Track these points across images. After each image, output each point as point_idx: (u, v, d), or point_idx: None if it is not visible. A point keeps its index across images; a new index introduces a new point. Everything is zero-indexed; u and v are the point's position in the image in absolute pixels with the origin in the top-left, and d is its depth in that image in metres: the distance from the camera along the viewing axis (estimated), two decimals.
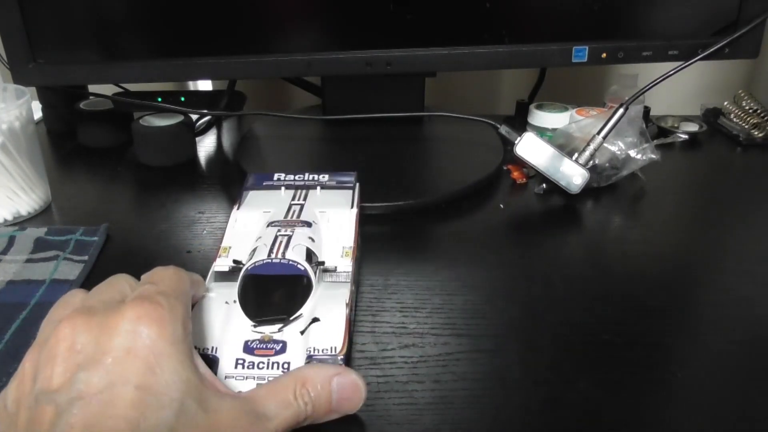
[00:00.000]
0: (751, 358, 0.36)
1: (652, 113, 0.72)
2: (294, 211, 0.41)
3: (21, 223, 0.52)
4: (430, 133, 0.67)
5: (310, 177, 0.46)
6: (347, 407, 0.30)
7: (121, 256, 0.47)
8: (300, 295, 0.34)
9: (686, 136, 0.67)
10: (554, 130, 0.62)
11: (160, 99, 0.66)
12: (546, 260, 0.46)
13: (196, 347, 0.31)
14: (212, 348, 0.32)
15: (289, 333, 0.33)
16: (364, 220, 0.48)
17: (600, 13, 0.54)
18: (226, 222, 0.42)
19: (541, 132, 0.64)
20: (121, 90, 0.68)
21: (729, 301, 0.41)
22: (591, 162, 0.54)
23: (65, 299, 0.30)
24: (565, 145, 0.56)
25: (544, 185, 0.56)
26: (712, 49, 0.53)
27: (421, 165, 0.60)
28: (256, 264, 0.35)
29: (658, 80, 0.54)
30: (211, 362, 0.31)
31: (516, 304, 0.41)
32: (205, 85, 0.83)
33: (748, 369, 0.35)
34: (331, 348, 0.32)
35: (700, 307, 0.41)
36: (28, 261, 0.45)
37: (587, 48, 0.54)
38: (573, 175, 0.53)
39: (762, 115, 0.69)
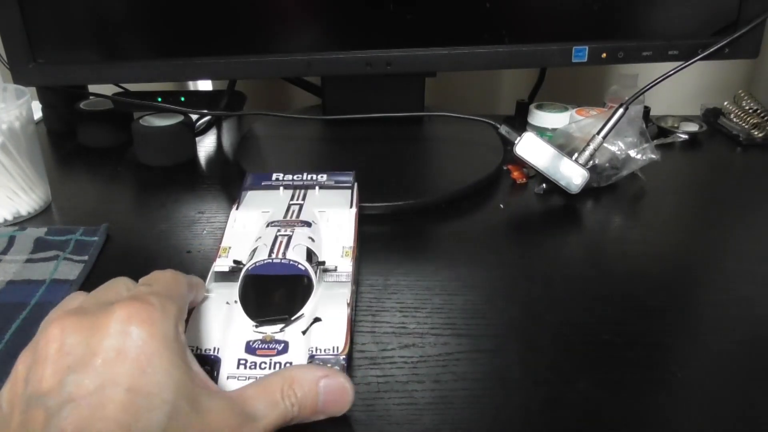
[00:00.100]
0: (751, 358, 0.36)
1: (652, 113, 0.72)
2: (293, 211, 0.41)
3: (21, 223, 0.52)
4: (430, 133, 0.67)
5: (309, 177, 0.46)
6: (334, 409, 0.30)
7: (121, 256, 0.47)
8: (301, 295, 0.34)
9: (686, 136, 0.67)
10: (554, 130, 0.62)
11: (160, 99, 0.67)
12: (546, 260, 0.46)
13: (197, 347, 0.32)
14: (214, 348, 0.32)
15: (291, 333, 0.33)
16: (363, 220, 0.48)
17: (600, 13, 0.53)
18: (226, 222, 0.42)
19: (541, 132, 0.64)
20: (121, 90, 0.68)
21: (729, 301, 0.41)
22: (591, 162, 0.54)
23: (64, 301, 0.30)
24: (565, 145, 0.56)
25: (544, 185, 0.56)
26: (712, 49, 0.53)
27: (421, 165, 0.60)
28: (257, 264, 0.35)
29: (658, 80, 0.54)
30: (213, 363, 0.31)
31: (516, 304, 0.41)
32: (205, 85, 0.83)
33: (748, 369, 0.35)
34: (334, 348, 0.32)
35: (700, 307, 0.41)
36: (28, 261, 0.45)
37: (587, 48, 0.54)
38: (573, 175, 0.53)
39: (762, 115, 0.69)
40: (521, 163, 0.56)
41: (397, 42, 0.54)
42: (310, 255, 0.36)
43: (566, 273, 0.44)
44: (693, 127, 0.70)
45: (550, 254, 0.47)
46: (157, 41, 0.54)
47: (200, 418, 0.25)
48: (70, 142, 0.69)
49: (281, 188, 0.44)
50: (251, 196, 0.43)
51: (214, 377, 0.31)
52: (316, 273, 0.35)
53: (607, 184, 0.56)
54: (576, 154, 0.54)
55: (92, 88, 0.69)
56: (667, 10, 0.54)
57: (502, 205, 0.54)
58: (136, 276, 0.31)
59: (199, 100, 0.71)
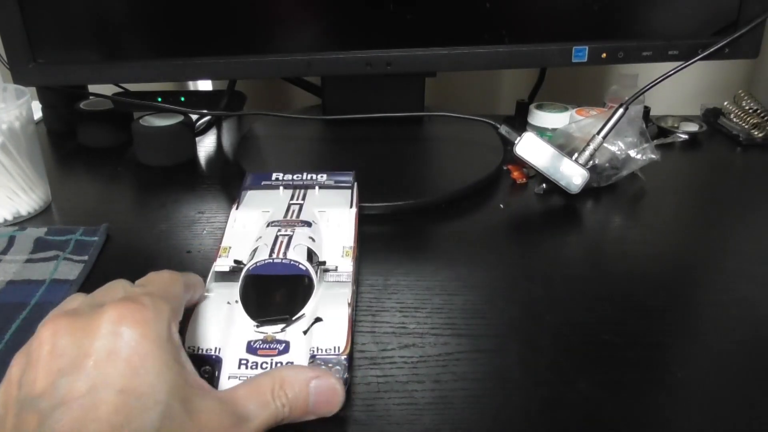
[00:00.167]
0: (751, 358, 0.36)
1: (652, 113, 0.72)
2: (293, 211, 0.41)
3: (21, 223, 0.52)
4: (430, 133, 0.67)
5: (309, 176, 0.46)
6: (324, 410, 0.30)
7: (121, 256, 0.47)
8: (302, 295, 0.34)
9: (686, 136, 0.67)
10: (554, 130, 0.62)
11: (160, 99, 0.67)
12: (546, 260, 0.46)
13: (198, 347, 0.31)
14: (215, 348, 0.32)
15: (292, 333, 0.33)
16: (363, 220, 0.48)
17: (600, 13, 0.53)
18: (226, 222, 0.42)
19: (541, 132, 0.64)
20: (121, 90, 0.68)
21: (729, 301, 0.41)
22: (591, 162, 0.54)
23: (63, 303, 0.30)
24: (565, 145, 0.56)
25: (544, 185, 0.56)
26: (712, 49, 0.53)
27: (421, 165, 0.60)
28: (258, 264, 0.35)
29: (658, 80, 0.54)
30: (215, 363, 0.31)
31: (516, 304, 0.41)
32: (205, 85, 0.83)
33: (748, 369, 0.35)
34: (335, 348, 0.32)
35: (700, 307, 0.41)
36: (28, 261, 0.45)
37: (587, 48, 0.54)
38: (573, 175, 0.53)
39: (762, 115, 0.69)
40: (521, 163, 0.56)
41: (397, 42, 0.54)
42: (311, 255, 0.36)
43: (566, 273, 0.44)
44: (693, 127, 0.70)
45: (550, 254, 0.47)
46: (157, 41, 0.54)
47: (193, 418, 0.25)
48: (70, 142, 0.69)
49: (281, 188, 0.44)
50: (251, 196, 0.43)
51: (216, 377, 0.31)
52: (316, 273, 0.35)
53: (607, 184, 0.56)
54: (576, 154, 0.54)
55: (92, 88, 0.69)
56: (667, 10, 0.54)
57: (502, 205, 0.54)
58: (135, 276, 0.31)
59: (199, 100, 0.71)
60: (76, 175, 0.62)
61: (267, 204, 0.42)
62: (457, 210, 0.53)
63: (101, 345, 0.25)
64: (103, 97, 0.68)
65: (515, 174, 0.59)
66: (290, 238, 0.37)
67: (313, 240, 0.38)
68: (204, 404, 0.26)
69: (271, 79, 0.84)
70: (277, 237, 0.37)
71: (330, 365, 0.31)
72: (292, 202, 0.42)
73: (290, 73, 0.58)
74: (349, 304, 0.34)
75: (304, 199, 0.42)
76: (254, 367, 0.31)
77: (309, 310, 0.34)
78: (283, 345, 0.32)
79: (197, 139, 0.70)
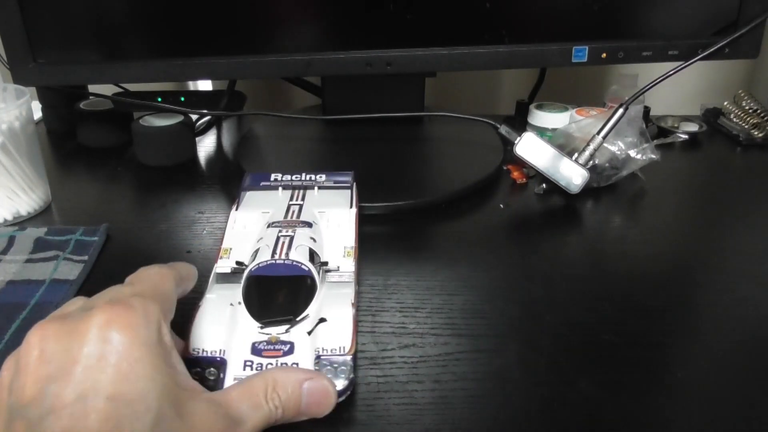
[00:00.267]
0: (751, 358, 0.36)
1: (652, 113, 0.72)
2: (293, 212, 0.41)
3: (21, 223, 0.52)
4: (430, 133, 0.67)
5: (307, 177, 0.46)
6: (316, 411, 0.30)
7: (121, 256, 0.47)
8: (305, 295, 0.34)
9: (686, 136, 0.67)
10: (554, 130, 0.62)
11: (160, 99, 0.67)
12: (546, 260, 0.46)
13: (203, 350, 0.31)
14: (220, 350, 0.31)
15: (296, 334, 0.33)
16: (363, 220, 0.48)
17: (600, 13, 0.53)
18: (226, 222, 0.42)
19: (541, 132, 0.64)
20: (121, 90, 0.68)
21: (729, 301, 0.41)
22: (591, 162, 0.54)
23: (63, 306, 0.29)
24: (565, 145, 0.56)
25: (544, 185, 0.56)
26: (712, 49, 0.53)
27: (421, 165, 0.60)
28: (260, 265, 0.35)
29: (658, 80, 0.54)
30: (220, 365, 0.31)
31: (516, 304, 0.41)
32: (205, 85, 0.83)
33: (748, 369, 0.35)
34: (340, 348, 0.32)
35: (700, 307, 0.41)
36: (28, 261, 0.45)
37: (587, 48, 0.54)
38: (573, 175, 0.53)
39: (762, 115, 0.69)
40: (521, 163, 0.56)
41: (397, 42, 0.54)
42: (313, 255, 0.36)
43: (566, 273, 0.44)
44: (693, 127, 0.70)
45: (550, 254, 0.47)
46: (157, 41, 0.54)
47: (185, 422, 0.25)
48: (70, 142, 0.69)
49: (280, 189, 0.44)
50: (250, 197, 0.43)
51: (221, 379, 0.31)
52: (318, 273, 0.35)
53: (607, 184, 0.56)
54: (576, 154, 0.54)
55: (92, 88, 0.69)
56: (667, 10, 0.54)
57: (502, 205, 0.54)
58: None
59: (199, 100, 0.71)
60: (76, 175, 0.62)
61: (266, 205, 0.42)
62: (457, 210, 0.53)
63: (89, 351, 0.24)
64: (103, 97, 0.68)
65: (515, 174, 0.59)
66: (291, 238, 0.37)
67: (315, 240, 0.38)
68: (196, 407, 0.26)
69: (271, 79, 0.84)
70: (278, 238, 0.37)
71: (335, 366, 0.31)
72: (291, 202, 0.42)
73: (290, 73, 0.58)
74: (352, 305, 0.34)
75: (303, 199, 0.42)
76: (259, 368, 0.31)
77: (313, 310, 0.34)
78: (288, 346, 0.32)
79: (197, 139, 0.70)
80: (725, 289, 0.43)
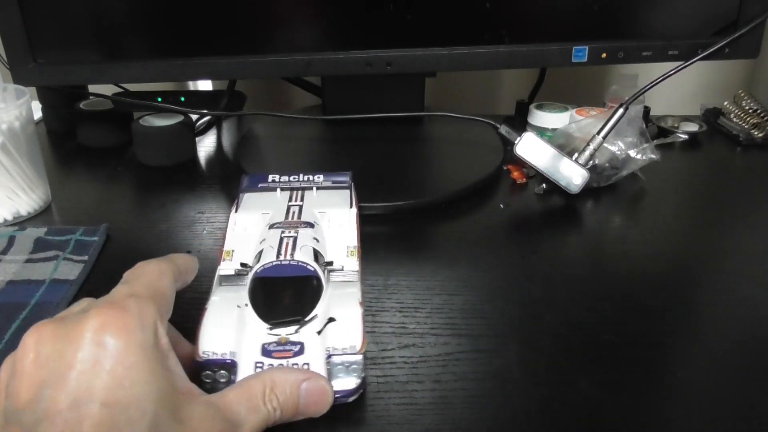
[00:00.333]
0: (751, 358, 0.36)
1: (652, 113, 0.72)
2: (293, 213, 0.40)
3: (21, 223, 0.52)
4: (430, 133, 0.67)
5: (305, 178, 0.45)
6: (313, 411, 0.30)
7: (121, 256, 0.47)
8: (311, 295, 0.34)
9: (686, 136, 0.67)
10: (554, 130, 0.62)
11: (160, 99, 0.67)
12: (546, 260, 0.46)
13: (213, 352, 0.31)
14: (230, 353, 0.31)
15: (306, 334, 0.32)
16: (363, 220, 0.48)
17: (600, 13, 0.53)
18: (226, 222, 0.42)
19: (541, 132, 0.64)
20: (121, 90, 0.68)
21: (729, 301, 0.41)
22: (591, 162, 0.54)
23: (70, 307, 0.29)
24: (565, 145, 0.56)
25: (544, 185, 0.56)
26: (712, 49, 0.53)
27: (421, 165, 0.60)
28: (266, 266, 0.35)
29: (658, 80, 0.54)
30: (230, 367, 0.31)
31: (516, 304, 0.41)
32: (205, 85, 0.83)
33: (748, 369, 0.35)
34: (351, 347, 0.32)
35: (700, 307, 0.41)
36: (28, 261, 0.45)
37: (587, 48, 0.54)
38: (573, 175, 0.53)
39: (762, 115, 0.69)
40: (521, 163, 0.56)
41: (397, 42, 0.54)
42: (317, 255, 0.36)
43: (566, 273, 0.44)
44: (693, 127, 0.70)
45: (550, 254, 0.47)
46: (157, 41, 0.54)
47: (182, 427, 0.25)
48: (70, 142, 0.69)
49: (278, 190, 0.43)
50: (249, 199, 0.43)
51: (232, 381, 0.31)
52: (323, 273, 0.35)
53: (607, 184, 0.56)
54: (576, 154, 0.54)
55: (92, 88, 0.69)
56: (667, 10, 0.54)
57: (502, 205, 0.54)
58: None
59: (199, 100, 0.71)
60: (76, 175, 0.62)
61: (266, 206, 0.42)
62: (457, 210, 0.53)
63: (84, 355, 0.24)
64: (103, 97, 0.68)
65: (515, 174, 0.59)
66: (295, 239, 0.37)
67: (317, 241, 0.38)
68: (194, 410, 0.26)
69: (271, 79, 0.84)
70: (282, 239, 0.37)
71: (347, 365, 0.31)
72: (291, 203, 0.42)
73: (290, 73, 0.58)
74: (360, 303, 0.34)
75: (302, 200, 0.42)
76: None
77: (321, 310, 0.33)
78: (298, 346, 0.32)
79: (197, 139, 0.70)
80: (725, 289, 0.43)
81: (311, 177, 0.46)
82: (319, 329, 0.33)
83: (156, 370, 0.25)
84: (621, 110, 0.54)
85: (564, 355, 0.36)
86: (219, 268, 0.37)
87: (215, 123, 0.74)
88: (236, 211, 0.41)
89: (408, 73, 0.56)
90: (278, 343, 0.32)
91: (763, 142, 0.67)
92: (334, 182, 0.45)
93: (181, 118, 0.63)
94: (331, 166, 0.52)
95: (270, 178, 0.45)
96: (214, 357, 0.31)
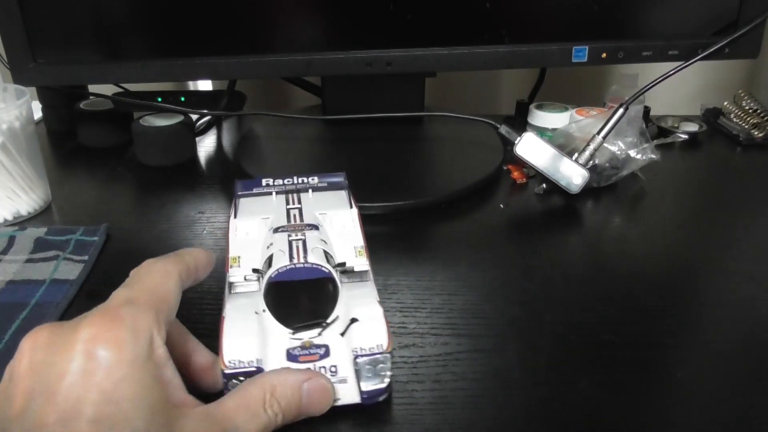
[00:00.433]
0: (751, 358, 0.36)
1: (652, 113, 0.72)
2: (294, 216, 0.40)
3: (21, 223, 0.52)
4: (430, 133, 0.67)
5: (299, 180, 0.45)
6: (315, 410, 0.30)
7: (121, 256, 0.47)
8: (328, 297, 0.34)
9: (686, 136, 0.67)
10: (554, 130, 0.62)
11: (160, 99, 0.66)
12: (546, 260, 0.46)
13: (239, 361, 0.30)
14: (256, 360, 0.31)
15: (329, 336, 0.32)
16: (363, 220, 0.48)
17: (600, 13, 0.53)
18: (226, 222, 0.42)
19: (541, 132, 0.64)
20: (121, 90, 0.68)
21: (729, 301, 0.41)
22: (591, 162, 0.54)
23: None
24: (565, 145, 0.56)
25: (544, 185, 0.56)
26: (712, 49, 0.53)
27: (421, 165, 0.60)
28: (280, 270, 0.34)
29: (658, 80, 0.54)
30: (257, 374, 0.31)
31: (516, 304, 0.41)
32: (205, 85, 0.83)
33: (748, 369, 0.35)
34: (378, 346, 0.31)
35: (700, 307, 0.41)
36: (28, 261, 0.45)
37: (587, 48, 0.54)
38: (573, 175, 0.53)
39: (762, 115, 0.69)
40: (521, 163, 0.56)
41: (397, 42, 0.54)
42: (327, 257, 0.36)
43: (566, 273, 0.44)
44: (693, 127, 0.70)
45: (550, 254, 0.47)
46: (157, 41, 0.54)
47: None
48: (70, 142, 0.69)
49: (274, 193, 0.43)
50: (246, 204, 0.42)
51: None
52: (337, 274, 0.35)
53: (607, 184, 0.56)
54: (576, 154, 0.54)
55: (92, 88, 0.69)
56: (667, 10, 0.54)
57: (502, 205, 0.54)
58: None
59: (199, 100, 0.71)
60: (76, 175, 0.62)
61: (264, 210, 0.41)
62: (457, 210, 0.53)
63: (75, 367, 0.23)
64: (103, 97, 0.68)
65: (515, 174, 0.59)
66: (304, 242, 0.37)
67: (325, 242, 0.37)
68: (188, 424, 0.25)
69: (271, 79, 0.84)
70: (290, 242, 0.37)
71: (375, 364, 0.31)
72: (289, 206, 0.41)
73: (290, 73, 0.58)
74: (379, 302, 0.34)
75: (299, 202, 0.42)
76: None
77: (341, 311, 0.33)
78: (323, 349, 0.32)
79: (197, 139, 0.70)
80: (725, 289, 0.43)
81: (305, 179, 0.45)
82: (342, 330, 0.32)
83: (148, 383, 0.24)
84: (621, 110, 0.54)
85: (564, 355, 0.36)
86: (228, 275, 0.37)
87: (215, 123, 0.74)
88: (235, 217, 0.41)
89: (408, 73, 0.56)
90: (303, 347, 0.32)
91: (763, 142, 0.67)
92: (329, 183, 0.45)
93: (181, 118, 0.63)
94: (331, 166, 0.52)
95: (263, 181, 0.45)
96: (241, 366, 0.30)
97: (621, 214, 0.54)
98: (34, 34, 0.53)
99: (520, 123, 0.69)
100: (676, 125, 0.70)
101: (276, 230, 0.38)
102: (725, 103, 0.72)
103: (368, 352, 0.31)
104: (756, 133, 0.68)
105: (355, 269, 0.37)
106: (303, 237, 0.37)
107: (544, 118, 0.65)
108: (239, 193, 0.44)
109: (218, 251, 0.47)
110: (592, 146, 0.54)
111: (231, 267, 0.37)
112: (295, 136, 0.66)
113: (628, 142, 0.56)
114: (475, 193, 0.56)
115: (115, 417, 0.23)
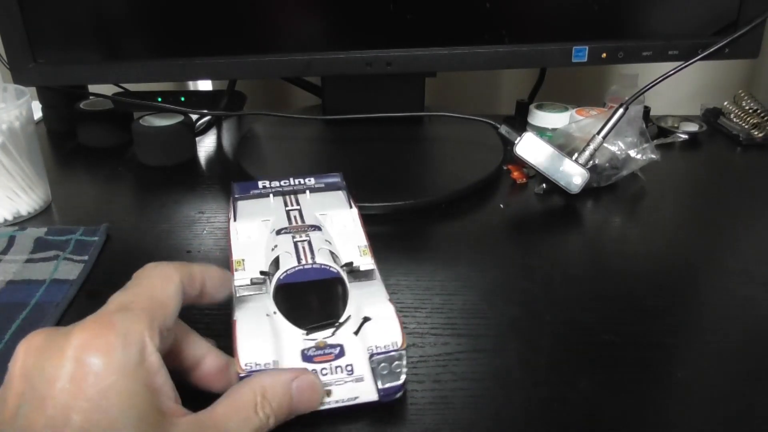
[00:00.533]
0: (751, 358, 0.36)
1: (652, 113, 0.72)
2: (294, 217, 0.40)
3: (21, 223, 0.52)
4: (430, 133, 0.67)
5: (296, 181, 0.45)
6: (305, 408, 0.30)
7: (121, 256, 0.47)
8: (338, 297, 0.34)
9: (686, 136, 0.67)
10: (554, 130, 0.62)
11: (160, 99, 0.67)
12: (546, 260, 0.46)
13: (256, 363, 0.30)
14: (273, 362, 0.31)
15: (343, 336, 0.32)
16: (363, 220, 0.48)
17: (600, 13, 0.54)
18: (226, 222, 0.42)
19: (541, 132, 0.64)
20: (121, 90, 0.68)
21: (729, 301, 0.41)
22: (591, 162, 0.54)
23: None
24: (565, 145, 0.56)
25: (544, 185, 0.56)
26: (712, 49, 0.53)
27: (421, 165, 0.60)
28: (288, 272, 0.34)
29: (658, 80, 0.54)
30: None
31: (516, 304, 0.41)
32: (205, 85, 0.83)
33: (748, 369, 0.35)
34: (392, 343, 0.31)
35: (700, 307, 0.41)
36: (28, 261, 0.45)
37: (587, 48, 0.54)
38: (573, 175, 0.53)
39: (762, 115, 0.69)
40: (521, 163, 0.56)
41: (397, 42, 0.54)
42: (333, 257, 0.36)
43: (566, 273, 0.44)
44: (693, 127, 0.70)
45: (550, 254, 0.47)
46: (157, 41, 0.54)
47: None
48: (70, 142, 0.69)
49: (271, 195, 0.43)
50: (244, 206, 0.42)
51: None
52: (345, 274, 0.35)
53: (607, 184, 0.56)
54: (576, 154, 0.54)
55: (92, 88, 0.69)
56: (667, 10, 0.54)
57: (502, 205, 0.54)
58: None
59: (199, 100, 0.71)
60: (76, 175, 0.62)
61: (263, 213, 0.41)
62: (457, 210, 0.53)
63: (65, 374, 0.23)
64: (103, 97, 0.68)
65: (515, 174, 0.59)
66: (309, 243, 0.36)
67: (329, 243, 0.37)
68: None
69: (271, 79, 0.84)
70: (296, 244, 0.36)
71: (391, 361, 0.31)
72: (288, 208, 0.41)
73: (290, 73, 0.58)
74: (390, 300, 0.34)
75: (298, 204, 0.42)
76: (314, 374, 0.31)
77: (352, 310, 0.33)
78: (338, 348, 0.32)
79: (197, 139, 0.70)
80: (725, 289, 0.43)
81: (302, 180, 0.45)
82: (355, 329, 0.32)
83: (137, 391, 0.24)
84: (621, 110, 0.54)
85: (564, 355, 0.36)
86: (234, 278, 0.36)
87: (215, 123, 0.74)
88: (235, 220, 0.41)
89: (408, 73, 0.56)
90: (317, 348, 0.32)
91: (763, 142, 0.67)
92: (326, 184, 0.45)
93: (181, 118, 0.63)
94: (330, 166, 0.52)
95: (260, 184, 0.45)
96: (258, 368, 0.30)
97: (621, 214, 0.54)
98: (34, 34, 0.53)
99: (520, 123, 0.69)
100: (676, 125, 0.70)
101: (279, 232, 0.38)
102: (725, 103, 0.72)
103: (384, 350, 0.31)
104: (756, 133, 0.68)
105: (362, 268, 0.37)
106: (308, 238, 0.37)
107: (544, 118, 0.65)
108: (236, 195, 0.44)
109: (218, 251, 0.48)
110: (592, 146, 0.54)
111: (236, 270, 0.36)
112: (295, 136, 0.66)
113: (628, 142, 0.56)
114: (475, 193, 0.56)
115: (102, 424, 0.23)
